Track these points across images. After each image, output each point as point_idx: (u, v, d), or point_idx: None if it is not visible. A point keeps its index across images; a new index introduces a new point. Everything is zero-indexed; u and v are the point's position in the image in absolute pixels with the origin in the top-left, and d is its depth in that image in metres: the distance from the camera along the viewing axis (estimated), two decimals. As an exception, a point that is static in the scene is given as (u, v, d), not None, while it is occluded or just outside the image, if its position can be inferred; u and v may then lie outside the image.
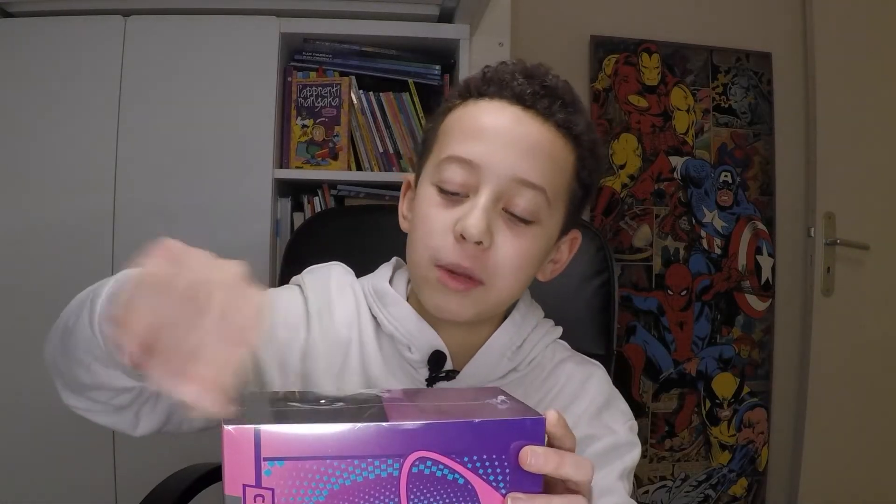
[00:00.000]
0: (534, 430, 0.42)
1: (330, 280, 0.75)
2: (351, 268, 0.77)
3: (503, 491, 0.42)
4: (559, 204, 0.69)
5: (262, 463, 0.40)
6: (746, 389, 1.98)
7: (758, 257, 1.98)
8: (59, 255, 1.42)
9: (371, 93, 1.55)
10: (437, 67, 1.56)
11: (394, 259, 0.78)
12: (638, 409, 1.91)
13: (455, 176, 0.66)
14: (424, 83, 1.56)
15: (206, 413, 0.39)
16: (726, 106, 1.98)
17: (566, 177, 0.69)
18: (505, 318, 0.75)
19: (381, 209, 1.24)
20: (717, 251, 1.96)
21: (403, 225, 0.74)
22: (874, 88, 1.94)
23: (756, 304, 1.98)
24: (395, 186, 1.40)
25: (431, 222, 0.67)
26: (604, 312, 1.03)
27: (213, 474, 0.98)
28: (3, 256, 1.42)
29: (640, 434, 0.73)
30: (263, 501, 0.40)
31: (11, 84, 1.43)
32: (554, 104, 0.68)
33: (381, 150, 1.55)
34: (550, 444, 0.45)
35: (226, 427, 0.40)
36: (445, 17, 1.54)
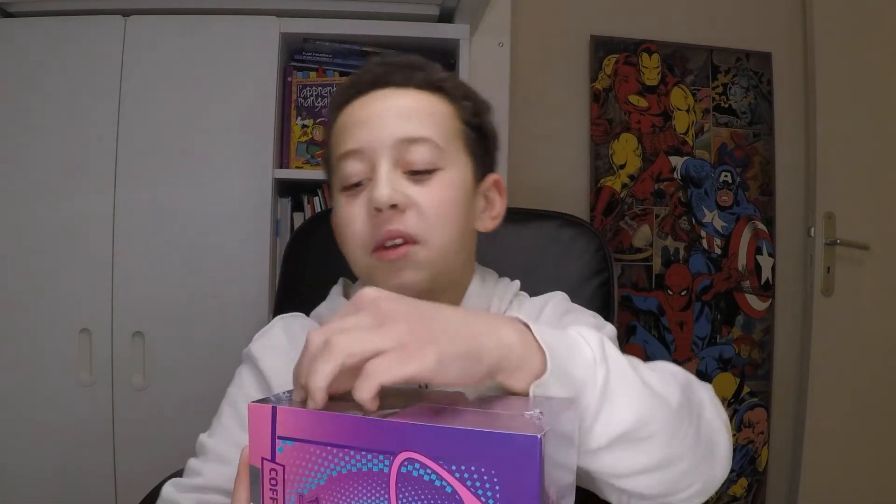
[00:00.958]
0: (525, 447, 0.38)
1: (280, 335, 0.78)
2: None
3: None
4: (455, 147, 0.73)
5: (277, 440, 0.44)
6: (746, 389, 1.98)
7: (758, 257, 1.98)
8: (59, 255, 1.42)
9: (371, 93, 1.54)
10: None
11: (340, 280, 0.83)
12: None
13: (351, 167, 0.71)
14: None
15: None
16: (726, 106, 1.98)
17: (449, 123, 0.74)
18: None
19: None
20: (717, 251, 1.96)
21: (339, 241, 0.76)
22: (874, 88, 1.94)
23: (756, 304, 1.98)
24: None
25: (349, 218, 0.71)
26: (604, 312, 1.02)
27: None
28: (3, 256, 1.42)
29: None
30: (276, 475, 0.44)
31: (11, 84, 1.43)
32: (407, 73, 0.74)
33: (380, 150, 1.54)
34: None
35: (251, 403, 0.45)
36: (445, 17, 1.54)
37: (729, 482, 1.97)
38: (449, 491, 0.40)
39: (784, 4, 2.00)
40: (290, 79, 1.54)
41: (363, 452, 0.41)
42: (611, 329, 0.74)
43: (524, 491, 0.39)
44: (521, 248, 1.05)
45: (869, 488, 1.93)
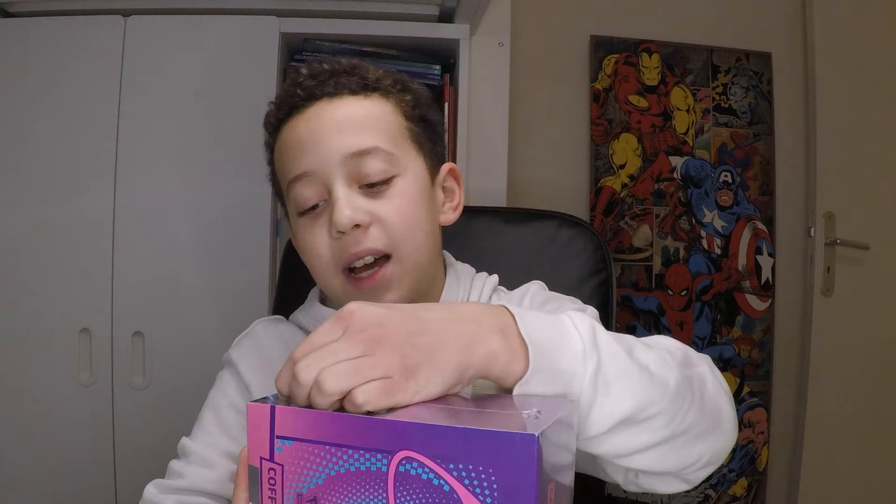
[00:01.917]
0: (523, 446, 0.38)
1: (259, 341, 0.78)
2: None
3: None
4: (405, 149, 0.71)
5: (276, 440, 0.44)
6: (746, 389, 1.98)
7: (758, 257, 1.98)
8: (59, 255, 1.42)
9: (371, 93, 1.55)
10: (437, 67, 1.56)
11: (316, 286, 0.81)
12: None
13: (303, 193, 0.69)
14: (424, 83, 1.53)
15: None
16: (726, 106, 1.98)
17: (394, 125, 0.71)
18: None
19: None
20: (717, 251, 1.96)
21: (306, 264, 0.75)
22: (874, 88, 1.94)
23: (756, 304, 1.98)
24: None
25: (311, 241, 0.70)
26: (603, 312, 1.02)
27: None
28: (2, 256, 1.42)
29: None
30: (275, 475, 0.44)
31: (11, 84, 1.43)
32: (339, 79, 0.71)
33: (380, 150, 1.54)
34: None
35: (249, 403, 0.45)
36: (445, 17, 1.54)
37: (729, 482, 1.97)
38: (447, 489, 0.40)
39: (784, 4, 2.00)
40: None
41: (361, 451, 0.41)
42: (592, 311, 0.74)
43: (522, 489, 0.39)
44: (521, 247, 1.05)
45: (869, 488, 1.93)
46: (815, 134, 1.91)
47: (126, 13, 1.45)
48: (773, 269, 1.98)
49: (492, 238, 1.07)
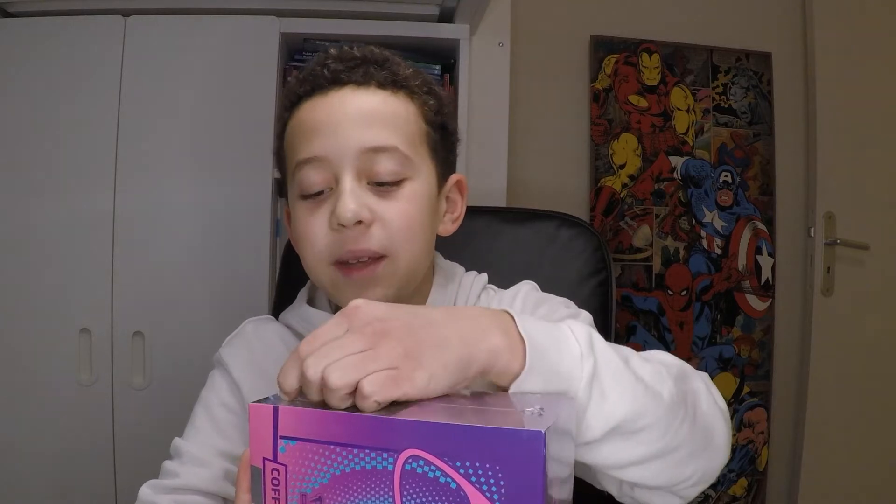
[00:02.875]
0: (530, 442, 0.39)
1: (250, 341, 0.78)
2: None
3: (498, 503, 0.40)
4: (420, 154, 0.70)
5: (279, 440, 0.43)
6: (746, 389, 1.98)
7: (758, 257, 1.98)
8: (59, 255, 1.42)
9: (371, 93, 1.54)
10: (437, 67, 1.56)
11: (308, 283, 0.80)
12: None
13: (310, 177, 0.67)
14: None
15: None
16: (726, 106, 1.98)
17: (414, 126, 0.70)
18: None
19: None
20: (717, 251, 1.96)
21: (297, 250, 0.74)
22: (874, 88, 1.94)
23: (756, 304, 1.98)
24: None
25: (309, 228, 0.68)
26: (602, 312, 1.03)
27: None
28: (2, 256, 1.42)
29: None
30: (278, 475, 0.44)
31: (11, 84, 1.43)
32: (368, 69, 0.69)
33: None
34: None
35: (251, 403, 0.44)
36: (445, 17, 1.54)
37: (729, 482, 1.97)
38: (453, 487, 0.40)
39: (784, 4, 2.00)
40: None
41: (367, 450, 0.41)
42: (586, 316, 0.73)
43: (529, 486, 0.39)
44: (520, 247, 1.05)
45: (869, 488, 1.93)
46: (815, 134, 1.91)
47: (126, 13, 1.45)
48: (773, 269, 1.98)
49: (491, 238, 1.07)
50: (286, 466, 0.43)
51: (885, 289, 1.96)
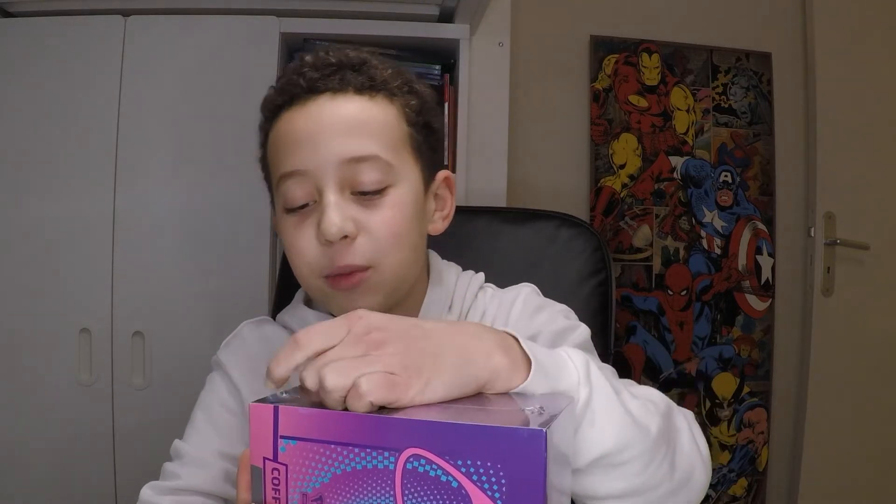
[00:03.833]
0: (531, 440, 0.39)
1: (248, 342, 0.79)
2: None
3: (500, 502, 0.40)
4: (404, 158, 0.69)
5: (279, 440, 0.44)
6: (746, 389, 1.98)
7: (758, 257, 1.98)
8: (59, 255, 1.42)
9: (371, 93, 1.54)
10: (437, 67, 1.56)
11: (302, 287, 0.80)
12: (638, 409, 1.91)
13: (293, 191, 0.67)
14: (424, 83, 1.56)
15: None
16: (726, 106, 1.98)
17: (396, 130, 0.69)
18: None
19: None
20: (717, 251, 1.96)
21: (288, 260, 0.74)
22: (874, 88, 1.94)
23: (756, 304, 1.98)
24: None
25: (297, 243, 0.68)
26: (602, 312, 1.03)
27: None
28: (2, 256, 1.42)
29: None
30: (279, 475, 0.44)
31: (11, 84, 1.43)
32: (345, 75, 0.68)
33: (380, 150, 1.54)
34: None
35: (251, 403, 0.45)
36: (445, 17, 1.54)
37: (729, 482, 1.97)
38: (455, 486, 0.40)
39: (784, 4, 2.00)
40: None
41: (368, 450, 0.41)
42: (584, 330, 0.73)
43: (530, 484, 0.39)
44: (520, 248, 1.05)
45: (869, 488, 1.94)
46: (815, 134, 1.91)
47: (126, 13, 1.45)
48: (773, 269, 1.98)
49: (491, 238, 1.07)
50: (287, 466, 0.43)
51: (885, 289, 1.96)
